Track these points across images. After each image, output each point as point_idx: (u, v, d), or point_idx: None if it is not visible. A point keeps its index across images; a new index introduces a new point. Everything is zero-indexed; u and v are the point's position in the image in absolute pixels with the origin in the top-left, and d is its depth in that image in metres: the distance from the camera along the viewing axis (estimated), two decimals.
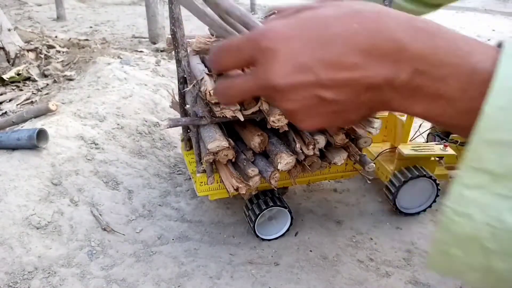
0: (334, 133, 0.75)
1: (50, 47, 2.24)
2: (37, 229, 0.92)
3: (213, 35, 0.92)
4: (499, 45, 0.30)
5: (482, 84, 0.27)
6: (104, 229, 0.96)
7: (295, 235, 0.97)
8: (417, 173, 1.03)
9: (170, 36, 0.86)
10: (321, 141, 0.85)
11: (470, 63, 0.29)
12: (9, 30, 2.01)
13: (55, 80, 1.88)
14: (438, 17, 4.49)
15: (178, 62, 0.87)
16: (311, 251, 0.91)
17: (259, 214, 0.89)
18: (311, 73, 0.30)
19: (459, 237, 0.28)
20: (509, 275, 0.27)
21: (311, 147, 0.82)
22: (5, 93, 1.77)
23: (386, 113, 1.23)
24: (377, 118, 0.85)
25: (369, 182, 1.12)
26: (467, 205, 0.27)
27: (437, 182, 1.06)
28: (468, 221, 0.27)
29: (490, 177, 0.27)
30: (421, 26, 0.30)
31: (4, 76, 1.83)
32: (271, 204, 0.90)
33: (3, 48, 1.97)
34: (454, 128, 0.31)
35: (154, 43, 2.85)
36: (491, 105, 0.26)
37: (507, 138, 0.26)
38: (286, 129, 0.79)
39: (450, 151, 1.09)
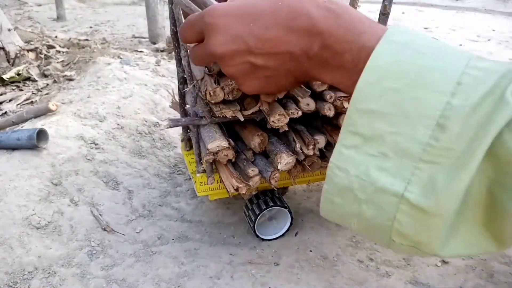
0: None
1: (50, 47, 2.24)
2: (37, 229, 0.92)
3: None
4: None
5: (367, 60, 0.31)
6: (104, 229, 0.96)
7: (295, 235, 0.97)
8: None
9: (170, 36, 0.86)
10: (321, 141, 0.85)
11: (360, 41, 0.34)
12: (9, 30, 2.01)
13: (55, 80, 1.88)
14: (438, 17, 4.50)
15: (178, 62, 0.87)
16: (311, 251, 0.91)
17: (259, 214, 0.89)
18: (243, 43, 0.36)
19: (339, 187, 0.33)
20: (375, 220, 0.32)
21: (311, 147, 0.82)
22: (5, 93, 1.77)
23: None
24: None
25: None
26: (345, 161, 0.32)
27: None
28: (345, 174, 0.32)
29: (362, 139, 0.31)
30: (331, 7, 0.35)
31: (4, 76, 1.83)
32: (271, 204, 0.90)
33: (3, 48, 1.97)
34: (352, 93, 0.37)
35: (154, 43, 2.85)
36: (363, 81, 0.31)
37: (374, 108, 0.30)
38: (286, 129, 0.79)
39: None
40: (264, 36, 0.35)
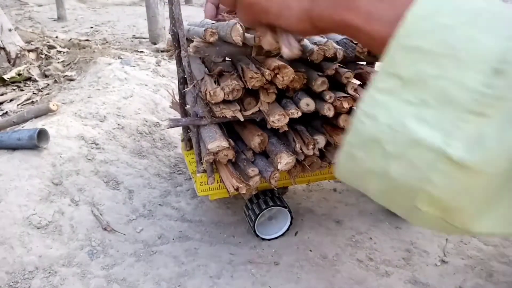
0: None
1: (51, 47, 2.25)
2: (38, 228, 0.93)
3: None
4: None
5: None
6: (105, 229, 0.96)
7: (295, 235, 0.97)
8: None
9: (170, 37, 0.87)
10: (321, 141, 0.85)
11: None
12: (9, 30, 2.02)
13: (55, 80, 1.89)
14: None
15: (178, 62, 0.87)
16: (311, 250, 0.91)
17: (259, 213, 0.89)
18: None
19: (364, 138, 0.29)
20: (401, 180, 0.28)
21: (311, 147, 0.82)
22: (6, 93, 1.77)
23: None
24: None
25: None
26: (376, 107, 0.28)
27: None
28: (374, 122, 0.28)
29: (400, 82, 0.27)
30: None
31: (5, 76, 1.84)
32: (271, 203, 0.90)
33: (4, 49, 1.98)
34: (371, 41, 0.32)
35: (155, 44, 2.86)
36: (414, 13, 0.27)
37: (421, 45, 0.27)
38: (286, 129, 0.79)
39: None
40: None
